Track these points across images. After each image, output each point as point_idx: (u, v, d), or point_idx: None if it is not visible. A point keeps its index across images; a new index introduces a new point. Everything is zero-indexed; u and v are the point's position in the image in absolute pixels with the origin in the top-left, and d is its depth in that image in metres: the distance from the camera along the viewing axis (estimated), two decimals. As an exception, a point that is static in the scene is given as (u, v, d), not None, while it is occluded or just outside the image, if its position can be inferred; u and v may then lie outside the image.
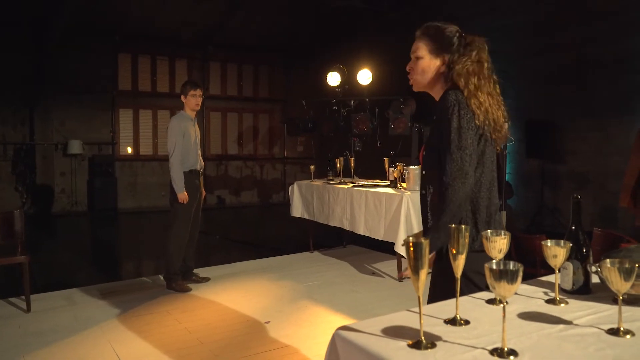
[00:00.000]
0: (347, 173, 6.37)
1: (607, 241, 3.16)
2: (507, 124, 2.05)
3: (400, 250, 4.61)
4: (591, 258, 1.82)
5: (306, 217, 6.09)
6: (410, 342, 1.41)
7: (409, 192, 4.75)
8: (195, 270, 5.19)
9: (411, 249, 1.43)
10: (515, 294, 1.83)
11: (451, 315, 1.62)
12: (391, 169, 5.23)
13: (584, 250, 1.80)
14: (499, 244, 1.70)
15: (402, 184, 5.17)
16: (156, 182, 12.33)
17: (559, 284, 1.78)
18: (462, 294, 1.99)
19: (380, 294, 4.69)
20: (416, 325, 1.56)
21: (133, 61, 12.23)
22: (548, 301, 1.74)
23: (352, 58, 8.61)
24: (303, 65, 13.50)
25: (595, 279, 1.84)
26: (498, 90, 2.05)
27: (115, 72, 11.93)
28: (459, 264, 1.63)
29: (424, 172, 2.15)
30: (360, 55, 9.25)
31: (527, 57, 8.87)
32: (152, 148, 12.48)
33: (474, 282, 2.02)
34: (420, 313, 1.46)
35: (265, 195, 13.68)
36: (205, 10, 11.07)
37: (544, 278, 2.00)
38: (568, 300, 1.74)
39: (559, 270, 1.74)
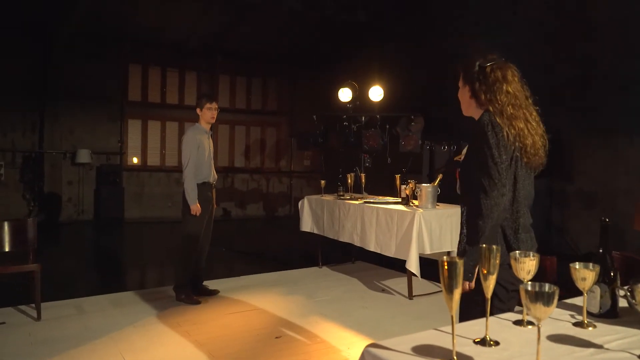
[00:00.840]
0: (356, 189, 6.39)
1: (625, 264, 3.15)
2: (544, 149, 2.15)
3: (413, 268, 4.60)
4: (619, 282, 1.82)
5: (316, 231, 6.09)
6: (445, 362, 1.42)
7: (421, 210, 4.75)
8: (204, 283, 5.18)
9: (445, 267, 1.43)
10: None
11: (480, 336, 1.62)
12: (403, 186, 5.23)
13: (612, 273, 1.81)
14: (527, 265, 1.71)
15: (414, 201, 5.17)
16: (162, 193, 12.38)
17: (585, 307, 1.78)
18: (492, 300, 2.03)
19: (391, 311, 4.68)
20: (445, 345, 1.57)
21: (143, 72, 12.32)
22: (576, 324, 1.74)
23: (361, 72, 8.66)
24: (310, 79, 13.57)
25: (622, 303, 1.84)
26: (537, 117, 2.16)
27: (126, 83, 12.02)
28: (490, 285, 1.64)
29: (460, 191, 2.30)
30: (370, 70, 9.30)
31: (533, 75, 8.88)
32: (160, 159, 12.54)
33: (503, 286, 2.11)
34: (453, 333, 1.46)
35: (271, 208, 13.69)
36: (212, 20, 11.17)
37: (568, 300, 2.00)
38: (596, 323, 1.74)
39: (587, 293, 1.74)
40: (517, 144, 2.06)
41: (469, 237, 2.09)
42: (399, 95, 7.90)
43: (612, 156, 8.31)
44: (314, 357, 3.62)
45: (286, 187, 13.91)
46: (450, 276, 1.43)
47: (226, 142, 13.32)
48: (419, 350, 1.52)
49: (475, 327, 1.72)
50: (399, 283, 5.57)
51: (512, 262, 1.72)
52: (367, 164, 6.99)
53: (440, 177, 5.00)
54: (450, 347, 1.53)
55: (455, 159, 5.83)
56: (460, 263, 1.43)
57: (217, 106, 5.02)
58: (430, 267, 4.80)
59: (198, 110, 5.00)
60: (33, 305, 4.58)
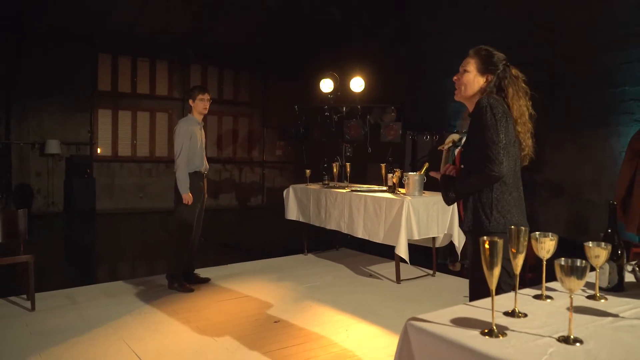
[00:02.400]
0: (338, 178, 6.53)
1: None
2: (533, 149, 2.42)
3: (402, 253, 4.78)
4: (625, 259, 2.01)
5: (301, 220, 6.20)
6: (485, 331, 1.56)
7: (409, 197, 4.92)
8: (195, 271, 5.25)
9: (487, 247, 1.58)
10: (555, 290, 2.01)
11: (507, 309, 1.78)
12: (389, 175, 5.39)
13: (619, 251, 1.99)
14: (547, 245, 1.86)
15: (400, 189, 5.34)
16: (134, 184, 12.27)
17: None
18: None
19: (381, 295, 4.84)
20: (478, 317, 1.71)
21: (113, 62, 12.13)
22: (589, 297, 1.92)
23: (340, 65, 8.78)
24: (285, 71, 13.62)
25: (628, 278, 2.04)
26: (531, 121, 2.39)
27: (95, 73, 11.82)
28: (518, 263, 1.79)
29: (462, 167, 2.44)
30: (349, 62, 9.43)
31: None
32: (131, 149, 12.39)
33: (503, 267, 2.22)
34: (492, 306, 1.60)
35: (243, 198, 13.72)
36: (187, 14, 11.08)
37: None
38: (606, 296, 1.92)
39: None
40: (526, 139, 2.31)
41: (456, 186, 2.35)
42: (380, 87, 8.06)
43: (578, 148, 8.68)
44: (315, 338, 3.75)
45: (258, 177, 13.96)
46: (492, 254, 1.57)
47: (198, 132, 13.25)
48: (457, 322, 1.66)
49: (500, 302, 1.87)
50: (384, 268, 5.75)
51: (533, 242, 1.87)
52: (348, 154, 7.12)
53: (426, 165, 5.17)
54: (482, 319, 1.68)
55: (439, 148, 6.01)
56: (500, 242, 1.57)
57: (209, 97, 5.08)
58: (415, 253, 4.99)
59: (190, 101, 5.05)
60: (24, 296, 4.59)
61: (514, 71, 2.38)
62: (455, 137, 5.95)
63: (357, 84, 7.09)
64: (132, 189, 12.26)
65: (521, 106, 2.32)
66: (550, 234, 1.87)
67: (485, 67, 2.37)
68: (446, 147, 5.91)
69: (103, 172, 11.84)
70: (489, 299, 1.93)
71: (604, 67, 8.34)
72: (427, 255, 5.61)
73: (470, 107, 2.42)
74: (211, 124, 13.32)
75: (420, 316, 1.72)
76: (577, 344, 1.47)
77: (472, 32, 9.70)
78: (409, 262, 4.95)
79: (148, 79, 12.54)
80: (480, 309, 1.79)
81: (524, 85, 2.38)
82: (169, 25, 11.40)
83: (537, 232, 1.88)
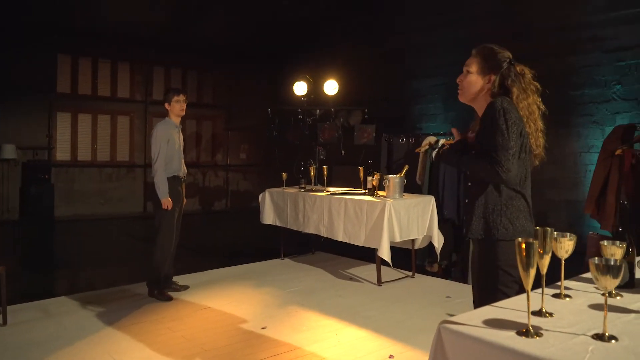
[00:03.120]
0: (308, 181, 6.52)
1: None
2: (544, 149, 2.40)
3: (384, 255, 4.80)
4: (635, 256, 2.06)
5: (278, 224, 6.15)
6: (523, 330, 1.57)
7: (390, 200, 4.94)
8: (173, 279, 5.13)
9: (523, 247, 1.59)
10: (569, 288, 2.05)
11: (531, 308, 1.79)
12: (369, 178, 5.41)
13: (630, 249, 2.04)
14: (565, 245, 1.89)
15: (380, 192, 5.36)
16: (94, 189, 11.93)
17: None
18: (497, 284, 2.23)
19: (364, 297, 4.84)
20: (508, 317, 1.73)
21: (73, 63, 11.76)
22: (604, 294, 1.96)
23: (311, 67, 8.76)
24: (252, 73, 13.51)
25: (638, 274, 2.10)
26: (542, 119, 2.36)
27: (54, 74, 11.44)
28: (545, 263, 1.81)
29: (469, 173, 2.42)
30: (321, 65, 9.43)
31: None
32: (91, 154, 12.04)
33: (508, 273, 2.25)
34: (528, 307, 1.61)
35: (207, 202, 13.52)
36: (150, 12, 10.86)
37: (584, 275, 2.23)
38: (621, 293, 1.97)
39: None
40: (533, 139, 2.27)
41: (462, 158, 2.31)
42: (352, 89, 8.08)
43: (540, 148, 8.94)
44: (307, 344, 3.71)
45: (222, 181, 13.80)
46: (528, 255, 1.58)
47: (160, 136, 12.98)
48: (490, 323, 1.67)
49: (520, 302, 1.89)
50: (363, 271, 5.76)
51: (553, 242, 1.90)
52: (322, 157, 7.11)
53: (406, 168, 5.21)
54: (513, 319, 1.69)
55: (416, 150, 6.08)
56: (535, 243, 1.58)
57: (185, 98, 4.97)
58: (393, 255, 5.00)
59: (166, 104, 4.94)
60: (-8, 309, 4.37)
61: (519, 68, 2.31)
62: (432, 139, 6.03)
63: (331, 87, 7.10)
64: (93, 194, 11.91)
65: (530, 105, 2.27)
66: (568, 234, 1.90)
67: (488, 67, 2.29)
68: (423, 149, 5.99)
69: (62, 177, 11.46)
70: (515, 299, 1.96)
71: (564, 70, 8.63)
72: (405, 257, 5.65)
73: (477, 108, 2.39)
74: (174, 128, 13.11)
75: (452, 319, 1.71)
76: (613, 341, 1.50)
77: (436, 33, 9.89)
78: (391, 264, 4.97)
79: (109, 81, 12.22)
80: (507, 310, 1.80)
81: (533, 82, 2.31)
82: (131, 25, 11.14)
83: (555, 232, 1.91)
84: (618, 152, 4.40)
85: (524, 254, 1.58)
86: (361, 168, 5.69)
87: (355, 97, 8.40)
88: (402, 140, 6.47)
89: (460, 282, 5.41)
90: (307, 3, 10.35)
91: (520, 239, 1.61)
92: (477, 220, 2.29)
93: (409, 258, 5.59)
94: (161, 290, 4.82)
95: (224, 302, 4.74)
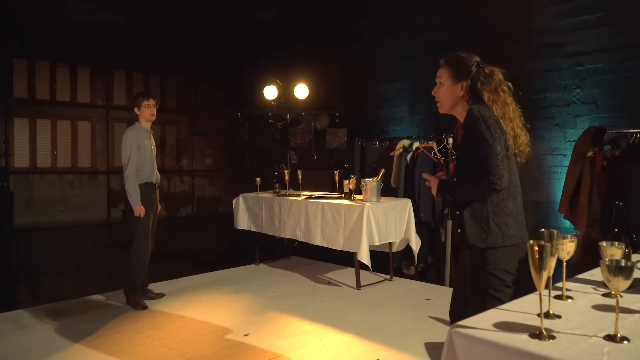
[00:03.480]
0: (282, 186, 6.48)
1: (585, 244, 3.57)
2: (529, 145, 2.38)
3: (364, 259, 4.80)
4: (631, 256, 2.11)
5: (253, 229, 6.09)
6: (536, 333, 1.58)
7: (368, 203, 4.95)
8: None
9: (536, 249, 1.60)
10: (569, 290, 2.08)
11: (534, 311, 1.81)
12: (345, 181, 5.41)
13: (626, 250, 2.09)
14: (567, 247, 1.93)
15: (356, 195, 5.37)
16: (55, 197, 11.57)
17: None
18: (489, 289, 2.25)
19: (345, 302, 4.83)
20: (516, 320, 1.74)
21: (30, 67, 11.38)
22: (604, 295, 2.00)
23: (277, 71, 8.72)
24: (217, 77, 13.36)
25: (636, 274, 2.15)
26: (520, 115, 2.35)
27: (10, 79, 11.05)
28: (552, 265, 1.82)
29: (455, 179, 2.41)
30: (287, 68, 9.40)
31: (431, 76, 9.59)
32: (51, 160, 11.67)
33: (499, 277, 2.26)
34: (541, 310, 1.62)
35: (173, 208, 13.28)
36: (109, 14, 10.61)
37: (579, 276, 2.27)
38: (620, 294, 2.01)
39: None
40: (510, 139, 2.23)
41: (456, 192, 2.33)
42: (321, 92, 8.08)
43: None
44: (291, 349, 3.68)
45: (188, 186, 13.58)
46: (540, 257, 1.60)
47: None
48: (500, 326, 1.68)
49: (525, 304, 1.91)
50: (341, 275, 5.76)
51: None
52: (294, 161, 7.08)
53: (382, 171, 5.23)
54: (522, 322, 1.71)
55: (390, 154, 6.11)
56: (548, 246, 1.60)
57: (154, 102, 4.85)
58: (371, 258, 4.99)
59: (136, 109, 4.82)
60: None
61: (488, 70, 2.30)
62: (405, 143, 6.08)
63: (301, 91, 7.08)
64: (53, 202, 11.54)
65: (502, 105, 2.26)
66: (569, 235, 1.93)
67: (458, 74, 2.30)
68: (397, 153, 6.03)
69: (21, 184, 11.07)
70: (519, 301, 1.97)
71: (526, 74, 8.86)
72: (381, 260, 5.66)
73: (458, 115, 2.40)
74: (137, 133, 12.83)
75: (462, 322, 1.72)
76: (625, 342, 1.52)
77: (402, 36, 10.01)
78: (371, 268, 4.97)
79: (69, 86, 11.87)
80: (515, 313, 1.82)
81: (503, 81, 2.31)
82: (90, 28, 10.86)
83: (555, 233, 1.93)
84: (590, 154, 4.52)
85: (537, 256, 1.60)
86: (336, 172, 5.69)
87: (325, 101, 8.41)
88: (376, 143, 6.50)
89: (437, 284, 5.46)
90: (272, 8, 10.33)
91: (532, 241, 1.62)
92: (467, 228, 2.29)
93: (386, 261, 5.61)
94: (137, 299, 4.70)
95: (203, 309, 4.65)
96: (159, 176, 4.97)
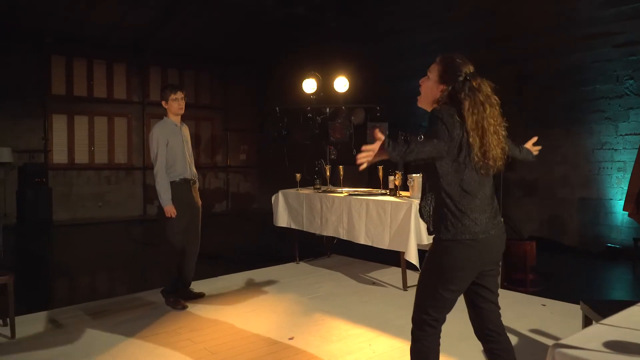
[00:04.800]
0: (323, 182, 6.29)
1: None
2: (502, 159, 2.29)
3: (412, 259, 4.56)
4: None
5: (293, 226, 5.90)
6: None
7: (416, 200, 4.71)
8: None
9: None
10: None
11: (631, 325, 1.56)
12: (391, 177, 5.18)
13: None
14: None
15: (402, 192, 5.13)
16: (92, 193, 11.65)
17: None
18: (438, 286, 2.27)
19: (391, 303, 4.60)
20: (629, 339, 1.49)
21: (67, 64, 11.46)
22: None
23: (306, 66, 8.52)
24: (249, 72, 13.27)
25: None
26: (503, 130, 2.29)
27: (48, 76, 11.13)
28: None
29: (425, 182, 2.41)
30: (307, 63, 9.23)
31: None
32: (88, 156, 11.73)
33: (447, 271, 2.26)
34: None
35: (207, 205, 13.22)
36: (141, 13, 10.59)
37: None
38: None
39: None
40: (477, 151, 2.18)
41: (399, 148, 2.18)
42: (361, 86, 7.87)
43: (549, 147, 8.75)
44: (342, 355, 3.47)
45: (223, 182, 13.52)
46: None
47: (158, 138, 12.69)
48: (613, 346, 1.44)
49: (634, 318, 1.66)
50: (385, 275, 5.53)
51: None
52: (333, 156, 6.87)
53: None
54: (634, 340, 1.46)
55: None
56: None
57: (183, 95, 4.64)
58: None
59: (164, 103, 4.63)
60: (-1, 321, 4.10)
61: (476, 83, 2.25)
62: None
63: (341, 84, 6.85)
64: (90, 198, 11.62)
65: (485, 118, 2.20)
66: None
67: (445, 77, 2.29)
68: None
69: (59, 180, 11.17)
70: (624, 315, 1.72)
71: (573, 65, 8.47)
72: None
73: None
74: (172, 129, 12.80)
75: (563, 341, 1.48)
76: None
77: (434, 30, 9.72)
78: (419, 267, 4.72)
79: (105, 82, 11.93)
80: (623, 329, 1.57)
81: (492, 96, 2.27)
82: (124, 23, 10.85)
83: None
84: (659, 147, 4.18)
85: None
86: (380, 167, 5.45)
87: (363, 96, 8.19)
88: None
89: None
90: (303, 3, 10.17)
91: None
92: (430, 221, 2.34)
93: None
94: (177, 298, 4.56)
95: (244, 310, 4.48)
96: (195, 172, 4.77)
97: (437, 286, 2.25)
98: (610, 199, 8.16)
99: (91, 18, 10.38)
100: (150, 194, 12.26)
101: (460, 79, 2.25)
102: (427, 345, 2.33)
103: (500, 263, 4.97)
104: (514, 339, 3.66)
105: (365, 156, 2.18)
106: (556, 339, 3.62)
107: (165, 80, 12.68)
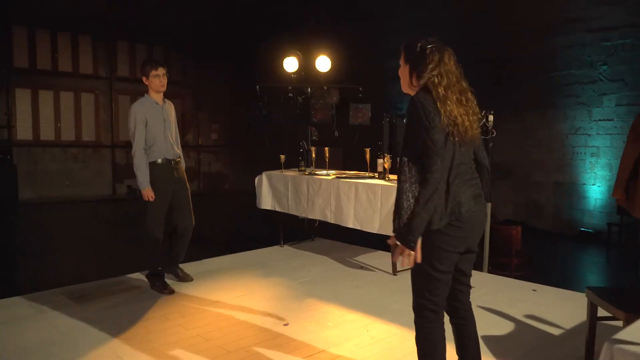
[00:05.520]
0: (306, 164, 6.20)
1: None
2: (477, 130, 2.33)
3: (404, 243, 4.52)
4: None
5: (277, 209, 5.79)
6: None
7: (407, 184, 4.66)
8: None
9: None
10: None
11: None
12: (379, 160, 5.11)
13: None
14: None
15: (391, 175, 5.08)
16: (59, 170, 11.27)
17: None
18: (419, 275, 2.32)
19: (383, 288, 4.57)
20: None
21: (30, 36, 10.95)
22: None
23: (278, 45, 8.34)
24: (222, 51, 12.96)
25: None
26: (471, 99, 2.33)
27: (9, 48, 10.62)
28: None
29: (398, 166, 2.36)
30: (287, 42, 9.07)
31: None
32: (54, 133, 11.31)
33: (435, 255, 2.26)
34: None
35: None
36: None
37: None
38: None
39: None
40: (448, 122, 2.18)
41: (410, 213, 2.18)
42: (342, 68, 7.76)
43: (524, 131, 8.88)
44: (339, 342, 3.41)
45: (194, 162, 13.25)
46: None
47: (126, 115, 12.31)
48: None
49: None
50: (372, 259, 5.50)
51: None
52: (314, 137, 6.76)
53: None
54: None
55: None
56: None
57: (165, 71, 4.41)
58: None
59: (144, 79, 4.40)
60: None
61: (438, 55, 2.28)
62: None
63: (323, 63, 6.71)
64: (57, 175, 11.24)
65: (448, 88, 2.25)
66: None
67: (407, 57, 2.38)
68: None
69: (24, 157, 10.74)
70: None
71: (548, 50, 8.55)
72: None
73: None
74: (141, 106, 12.42)
75: (620, 337, 1.44)
76: None
77: (420, 10, 9.67)
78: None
79: (70, 55, 11.45)
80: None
81: (456, 65, 2.33)
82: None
83: None
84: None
85: None
86: (367, 150, 5.38)
87: (345, 76, 8.09)
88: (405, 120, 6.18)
89: (477, 270, 5.19)
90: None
91: None
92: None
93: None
94: (163, 282, 4.43)
95: (234, 295, 4.38)
96: (177, 151, 4.58)
97: (428, 269, 2.27)
98: (584, 184, 8.33)
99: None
100: (119, 172, 11.93)
101: (419, 51, 2.31)
102: (431, 332, 2.35)
103: (484, 247, 5.00)
104: (511, 326, 3.69)
105: (406, 262, 2.25)
106: (555, 325, 3.67)
107: (133, 54, 12.29)
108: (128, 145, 12.03)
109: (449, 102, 2.20)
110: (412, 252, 2.17)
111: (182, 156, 4.66)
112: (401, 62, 2.41)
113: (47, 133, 11.14)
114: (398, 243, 2.19)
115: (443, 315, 2.38)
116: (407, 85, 2.40)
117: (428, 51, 2.28)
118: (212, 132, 13.66)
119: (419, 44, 2.32)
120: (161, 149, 4.40)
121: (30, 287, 4.56)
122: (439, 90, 2.22)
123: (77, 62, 11.56)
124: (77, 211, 9.98)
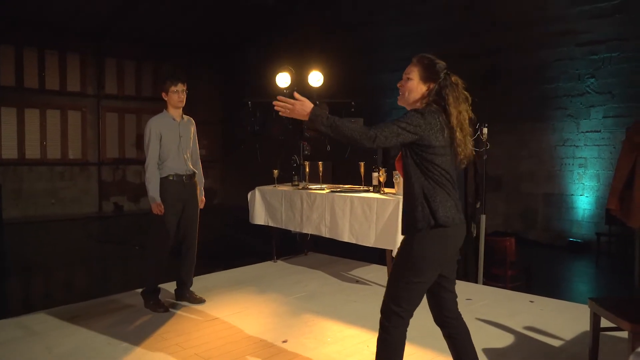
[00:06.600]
0: (299, 179, 6.17)
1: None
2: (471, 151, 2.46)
3: (401, 256, 4.50)
4: None
5: (271, 224, 5.75)
6: None
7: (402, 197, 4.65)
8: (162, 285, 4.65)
9: None
10: None
11: None
12: (374, 174, 5.10)
13: None
14: None
15: (385, 189, 5.07)
16: (45, 189, 11.13)
17: None
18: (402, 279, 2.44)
19: (380, 302, 4.49)
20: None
21: (17, 54, 10.86)
22: None
23: (268, 58, 8.37)
24: (212, 64, 12.95)
25: None
26: (471, 126, 2.45)
27: (-4, 66, 10.53)
28: None
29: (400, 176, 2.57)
30: (277, 56, 9.10)
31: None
32: (40, 151, 11.18)
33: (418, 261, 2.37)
34: None
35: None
36: (100, 1, 10.17)
37: None
38: None
39: None
40: (461, 145, 2.35)
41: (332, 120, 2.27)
42: (335, 82, 7.78)
43: (516, 142, 8.94)
44: (340, 358, 3.38)
45: (182, 178, 13.14)
46: None
47: (115, 132, 12.23)
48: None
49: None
50: (367, 272, 5.47)
51: None
52: (307, 152, 6.74)
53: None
54: None
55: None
56: None
57: (183, 88, 4.45)
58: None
59: (163, 94, 4.44)
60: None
61: (454, 78, 2.43)
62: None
63: (315, 78, 6.73)
64: (43, 194, 11.09)
65: (461, 112, 2.37)
66: None
67: (428, 76, 2.42)
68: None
69: (9, 176, 10.60)
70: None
71: (538, 63, 8.64)
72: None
73: None
74: (129, 123, 12.34)
75: (640, 347, 1.43)
76: None
77: (410, 23, 9.75)
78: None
79: (58, 74, 11.37)
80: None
81: (463, 91, 2.43)
82: (79, 14, 10.37)
83: None
84: (644, 144, 4.25)
85: None
86: (362, 164, 5.37)
87: (337, 90, 8.11)
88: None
89: (469, 281, 5.19)
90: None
91: None
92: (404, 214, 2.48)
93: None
94: (158, 300, 4.35)
95: (229, 312, 4.31)
96: (191, 167, 4.55)
97: (410, 277, 2.36)
98: (572, 195, 8.39)
99: (44, 6, 9.87)
100: (106, 190, 11.83)
101: (442, 75, 2.40)
102: (395, 336, 2.45)
103: (479, 258, 5.00)
104: (512, 338, 3.66)
105: (282, 107, 2.30)
106: (555, 336, 3.65)
107: (121, 71, 12.24)
108: (114, 163, 12.10)
109: (461, 125, 2.35)
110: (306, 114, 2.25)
111: (198, 173, 4.62)
112: (411, 76, 2.44)
113: (32, 151, 11.01)
114: (307, 112, 2.26)
115: (408, 323, 2.48)
116: (413, 101, 2.44)
117: (454, 79, 2.40)
118: (201, 148, 13.57)
119: (445, 70, 2.41)
120: (174, 164, 4.39)
121: (19, 308, 4.45)
122: (457, 112, 2.35)
123: (65, 80, 11.48)
124: (63, 229, 9.84)
